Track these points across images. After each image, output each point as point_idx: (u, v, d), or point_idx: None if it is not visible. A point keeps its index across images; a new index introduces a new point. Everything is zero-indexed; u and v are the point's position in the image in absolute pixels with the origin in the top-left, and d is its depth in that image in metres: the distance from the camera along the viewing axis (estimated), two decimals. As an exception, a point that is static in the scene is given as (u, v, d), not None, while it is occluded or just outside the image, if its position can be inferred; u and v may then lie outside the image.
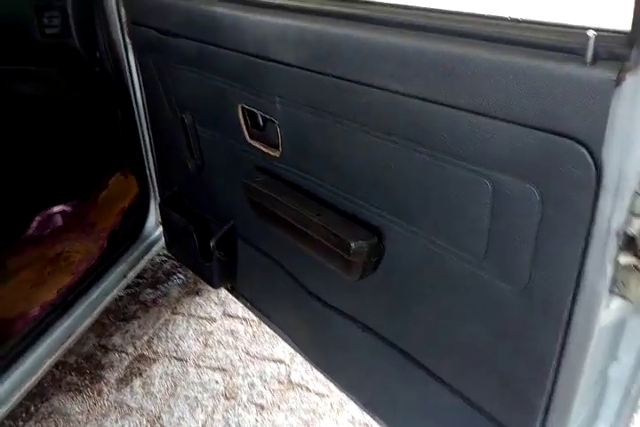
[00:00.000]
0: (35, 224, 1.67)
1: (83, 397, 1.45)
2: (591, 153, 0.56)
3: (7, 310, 1.29)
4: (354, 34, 0.76)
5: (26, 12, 1.27)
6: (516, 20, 0.65)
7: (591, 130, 0.55)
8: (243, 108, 0.98)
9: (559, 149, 0.58)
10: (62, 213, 1.72)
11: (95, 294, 1.32)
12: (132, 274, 1.43)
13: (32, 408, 1.41)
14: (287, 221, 0.94)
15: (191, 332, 1.64)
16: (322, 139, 0.87)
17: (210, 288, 1.63)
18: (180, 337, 1.62)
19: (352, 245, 0.83)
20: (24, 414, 1.39)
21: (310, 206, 0.91)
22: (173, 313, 1.70)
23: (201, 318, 1.69)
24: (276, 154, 0.96)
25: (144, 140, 1.35)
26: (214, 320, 1.68)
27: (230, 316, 1.69)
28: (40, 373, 1.17)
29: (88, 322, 1.30)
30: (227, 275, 1.28)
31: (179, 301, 1.75)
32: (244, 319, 1.66)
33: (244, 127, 1.00)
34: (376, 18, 0.75)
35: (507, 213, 0.66)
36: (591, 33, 0.54)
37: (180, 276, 1.83)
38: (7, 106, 1.63)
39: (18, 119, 1.67)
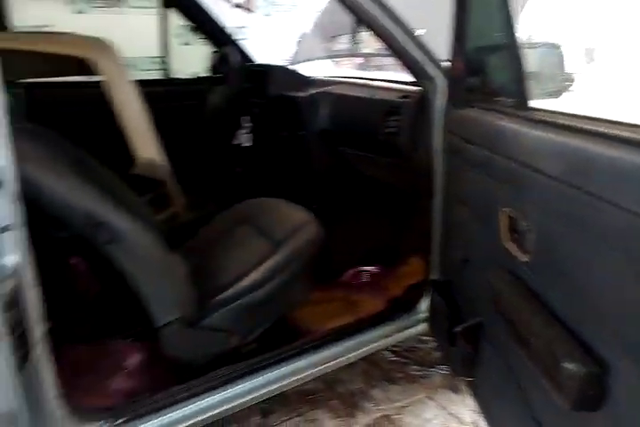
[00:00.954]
0: (349, 274, 2.10)
1: (337, 421, 1.66)
2: None
3: (305, 324, 1.67)
4: (607, 153, 0.75)
5: (379, 116, 1.66)
6: None
7: None
8: (504, 212, 1.04)
9: None
10: (370, 272, 2.11)
11: (360, 338, 1.54)
12: (395, 337, 1.61)
13: (292, 414, 1.68)
14: (516, 325, 0.93)
15: (437, 422, 1.66)
16: (565, 252, 0.86)
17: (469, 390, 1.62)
18: (425, 420, 1.67)
19: (565, 365, 0.77)
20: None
21: (541, 316, 0.89)
22: (428, 398, 1.76)
23: (451, 414, 1.68)
24: (525, 259, 0.97)
25: (435, 229, 1.52)
26: (462, 423, 1.65)
27: (479, 428, 1.64)
28: (296, 381, 1.42)
29: (349, 358, 1.52)
30: (469, 367, 1.28)
31: (437, 389, 1.79)
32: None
33: (502, 229, 1.05)
34: (631, 139, 0.73)
35: None
36: None
37: (446, 368, 1.87)
38: (355, 183, 2.11)
39: (361, 197, 2.15)
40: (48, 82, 2.14)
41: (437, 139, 1.43)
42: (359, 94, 1.85)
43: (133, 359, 1.36)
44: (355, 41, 2.37)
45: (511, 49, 1.06)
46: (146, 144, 1.53)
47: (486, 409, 1.30)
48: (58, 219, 1.09)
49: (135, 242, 1.13)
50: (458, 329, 1.23)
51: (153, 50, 2.80)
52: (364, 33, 2.49)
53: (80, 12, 3.10)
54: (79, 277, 1.45)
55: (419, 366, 1.91)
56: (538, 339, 0.87)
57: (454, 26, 1.26)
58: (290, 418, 1.64)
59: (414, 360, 1.94)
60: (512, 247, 1.03)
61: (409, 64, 1.43)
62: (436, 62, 1.40)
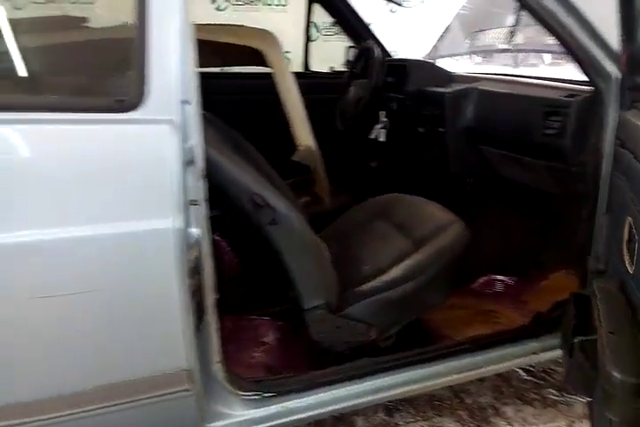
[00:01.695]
0: (480, 281, 2.10)
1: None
2: None
3: (439, 329, 1.70)
4: None
5: (535, 116, 1.61)
6: None
7: None
8: (627, 221, 1.00)
9: None
10: (503, 282, 2.09)
11: (500, 352, 1.50)
12: (540, 356, 1.55)
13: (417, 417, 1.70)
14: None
15: (576, 454, 1.59)
16: None
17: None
18: (564, 450, 1.60)
19: (614, 374, 0.75)
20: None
21: (614, 324, 0.86)
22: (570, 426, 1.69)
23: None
24: (631, 270, 0.94)
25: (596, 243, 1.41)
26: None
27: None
28: (433, 385, 1.44)
29: (487, 371, 1.50)
30: (585, 384, 1.20)
31: (581, 419, 1.70)
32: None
33: (624, 239, 1.00)
34: None
35: None
36: None
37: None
38: (495, 186, 2.06)
39: (501, 201, 2.09)
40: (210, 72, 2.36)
41: (607, 143, 1.36)
42: (513, 91, 1.81)
43: (273, 336, 1.47)
44: (510, 35, 2.31)
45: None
46: (305, 132, 1.64)
47: None
48: (226, 197, 1.20)
49: (292, 224, 1.22)
50: (576, 341, 1.17)
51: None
52: (512, 27, 2.43)
53: (218, 9, 3.38)
54: (222, 253, 1.58)
55: (556, 390, 1.83)
56: (600, 345, 0.86)
57: (621, 16, 1.18)
58: (415, 421, 1.67)
59: (550, 383, 1.87)
60: (627, 258, 0.99)
61: (582, 60, 1.37)
62: (615, 58, 1.34)
